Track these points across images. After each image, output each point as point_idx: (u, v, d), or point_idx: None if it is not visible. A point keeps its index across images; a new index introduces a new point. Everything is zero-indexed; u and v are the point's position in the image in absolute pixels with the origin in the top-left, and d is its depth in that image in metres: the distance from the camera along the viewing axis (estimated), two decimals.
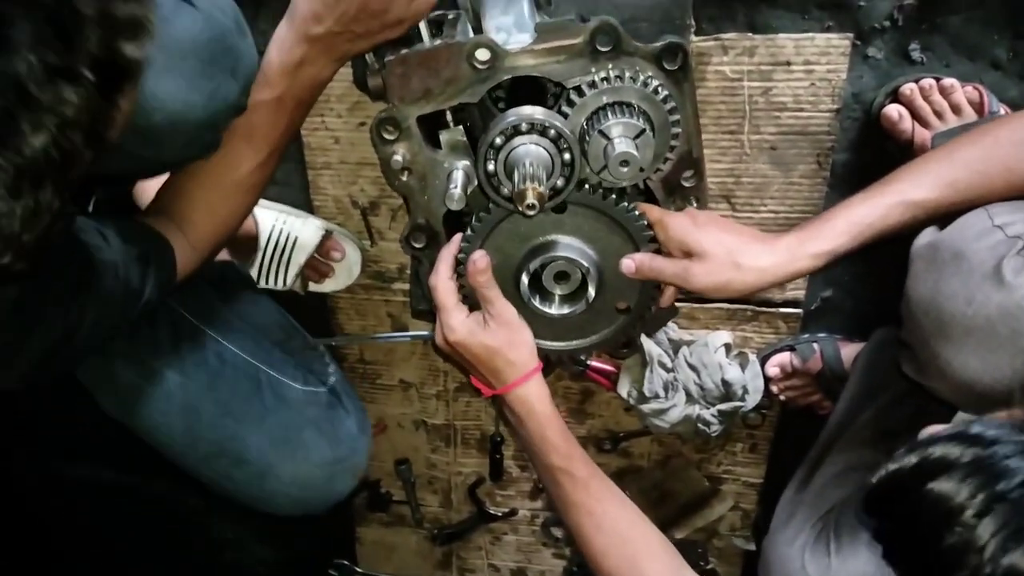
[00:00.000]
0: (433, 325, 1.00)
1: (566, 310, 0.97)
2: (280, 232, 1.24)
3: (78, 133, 0.50)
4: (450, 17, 0.96)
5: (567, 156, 0.87)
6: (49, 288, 0.74)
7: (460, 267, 0.96)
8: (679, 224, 0.92)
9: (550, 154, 0.87)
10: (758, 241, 0.90)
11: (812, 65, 1.10)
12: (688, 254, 0.91)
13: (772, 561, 1.04)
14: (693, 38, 1.08)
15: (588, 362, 1.32)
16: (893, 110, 1.07)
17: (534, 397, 0.96)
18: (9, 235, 0.50)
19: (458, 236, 0.98)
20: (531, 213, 0.83)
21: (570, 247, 0.94)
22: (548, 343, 1.02)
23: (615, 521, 0.94)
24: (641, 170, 0.87)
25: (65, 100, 0.48)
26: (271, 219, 1.24)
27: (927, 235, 0.86)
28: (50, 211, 0.51)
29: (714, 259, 0.89)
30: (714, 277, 0.89)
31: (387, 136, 0.91)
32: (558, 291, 0.97)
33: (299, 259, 1.25)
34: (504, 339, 0.94)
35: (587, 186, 0.91)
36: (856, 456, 1.06)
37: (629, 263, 0.95)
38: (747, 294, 0.92)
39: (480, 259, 0.94)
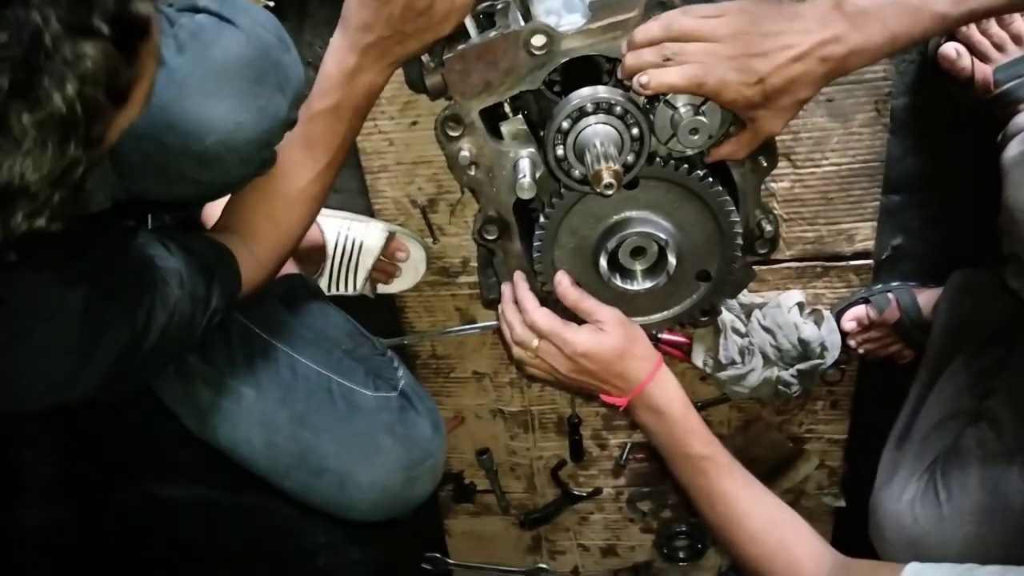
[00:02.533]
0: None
1: (648, 284, 0.97)
2: (346, 239, 1.26)
3: (100, 89, 0.50)
4: (499, 7, 0.96)
5: (635, 131, 0.87)
6: (113, 295, 0.76)
7: (540, 276, 0.99)
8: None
9: (618, 131, 0.87)
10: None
11: None
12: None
13: (882, 519, 1.03)
14: None
15: (659, 335, 1.32)
16: (950, 48, 1.05)
17: (670, 386, 0.96)
18: (37, 191, 0.51)
19: (519, 273, 1.00)
20: (609, 192, 0.83)
21: (646, 221, 0.94)
22: (633, 320, 1.02)
23: (762, 505, 0.92)
24: (710, 136, 0.87)
25: (84, 54, 0.49)
26: (335, 227, 1.26)
27: (1017, 145, 0.85)
28: (78, 165, 0.52)
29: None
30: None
31: (452, 133, 0.92)
32: (638, 266, 0.97)
33: (367, 263, 1.27)
34: (624, 337, 0.95)
35: (657, 159, 0.91)
36: (953, 404, 1.04)
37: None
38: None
39: (562, 278, 0.97)
